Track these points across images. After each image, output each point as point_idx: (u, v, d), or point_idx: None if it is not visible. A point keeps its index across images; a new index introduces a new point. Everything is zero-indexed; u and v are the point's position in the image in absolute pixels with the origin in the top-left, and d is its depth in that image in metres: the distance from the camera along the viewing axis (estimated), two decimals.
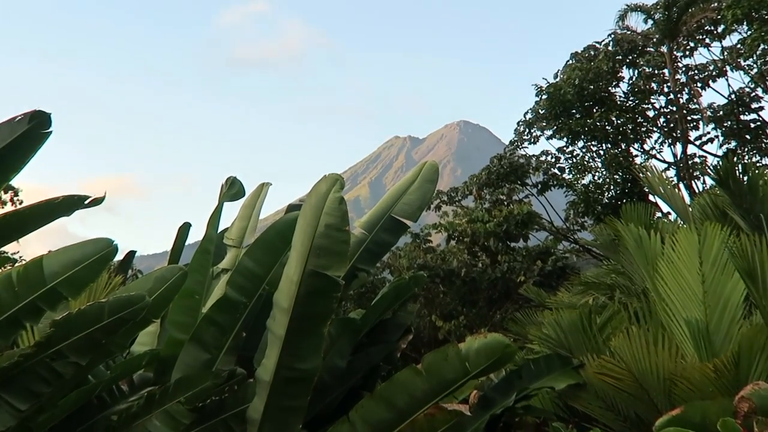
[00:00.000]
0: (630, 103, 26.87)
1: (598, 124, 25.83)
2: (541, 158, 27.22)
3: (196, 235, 8.29)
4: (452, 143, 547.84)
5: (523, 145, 27.82)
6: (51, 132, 5.28)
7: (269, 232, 6.93)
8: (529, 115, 27.58)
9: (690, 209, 10.20)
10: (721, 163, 9.62)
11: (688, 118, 26.55)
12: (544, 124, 26.91)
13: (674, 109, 26.60)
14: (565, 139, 26.76)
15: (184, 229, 9.00)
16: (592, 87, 26.03)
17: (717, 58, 26.28)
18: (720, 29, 25.34)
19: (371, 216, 7.76)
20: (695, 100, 26.70)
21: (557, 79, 26.93)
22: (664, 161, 26.91)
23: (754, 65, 24.58)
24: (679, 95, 26.64)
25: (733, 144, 26.02)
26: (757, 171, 9.21)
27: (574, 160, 27.08)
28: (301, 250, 5.86)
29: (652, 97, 27.02)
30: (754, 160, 25.53)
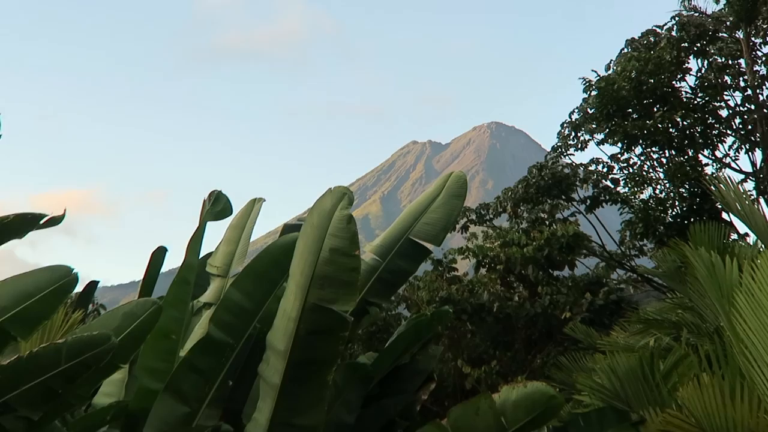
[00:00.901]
0: (698, 100, 26.87)
1: (659, 126, 25.81)
2: (590, 168, 27.22)
3: (173, 262, 8.33)
4: (482, 150, 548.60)
5: (569, 152, 27.87)
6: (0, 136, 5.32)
7: (262, 259, 6.95)
8: (575, 116, 27.63)
9: None
10: None
11: None
12: (593, 126, 26.93)
13: (752, 107, 26.56)
14: (619, 145, 26.75)
15: (159, 254, 9.02)
16: (652, 81, 26.06)
17: None
18: None
19: (385, 239, 7.79)
20: None
21: (610, 72, 26.98)
22: (740, 171, 26.85)
23: None
24: (758, 91, 26.61)
25: None
26: None
27: (631, 170, 27.07)
28: (300, 280, 5.87)
29: (726, 93, 27.01)
30: None
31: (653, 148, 26.79)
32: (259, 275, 6.89)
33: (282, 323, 5.93)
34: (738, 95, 27.05)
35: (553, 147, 28.31)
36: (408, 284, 24.84)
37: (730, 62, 26.74)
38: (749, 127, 26.82)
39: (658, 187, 26.64)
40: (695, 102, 26.87)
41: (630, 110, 26.45)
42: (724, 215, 23.67)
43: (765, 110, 26.51)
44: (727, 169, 26.97)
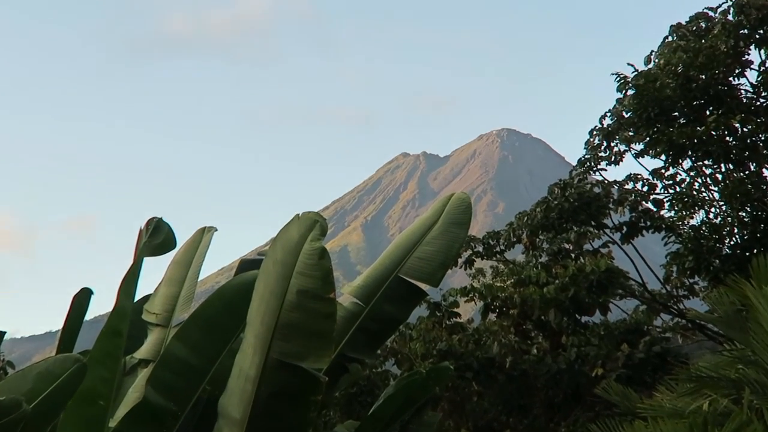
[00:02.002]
0: (762, 101, 26.99)
1: (713, 133, 25.89)
2: (626, 186, 27.30)
3: (100, 308, 8.33)
4: (490, 163, 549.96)
5: (599, 167, 27.94)
6: None
7: (213, 303, 6.96)
8: (607, 121, 27.72)
9: None
10: None
11: None
12: (630, 134, 27.01)
13: None
14: (663, 157, 26.81)
15: (83, 298, 9.02)
16: (703, 77, 26.19)
17: None
18: None
19: (368, 277, 7.80)
20: None
21: (650, 66, 27.09)
22: None
23: None
24: None
25: None
26: None
27: (678, 189, 27.14)
28: (260, 330, 5.88)
29: None
30: None
31: (706, 161, 26.83)
32: (210, 324, 6.89)
33: (238, 385, 5.93)
34: None
35: (579, 160, 28.36)
36: (398, 334, 24.80)
37: None
38: None
39: (713, 210, 26.71)
40: (758, 103, 26.96)
41: (676, 113, 26.52)
42: None
43: None
44: None
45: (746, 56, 26.89)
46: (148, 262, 7.88)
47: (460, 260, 27.11)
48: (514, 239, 26.86)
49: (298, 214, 6.09)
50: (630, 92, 26.74)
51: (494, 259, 27.09)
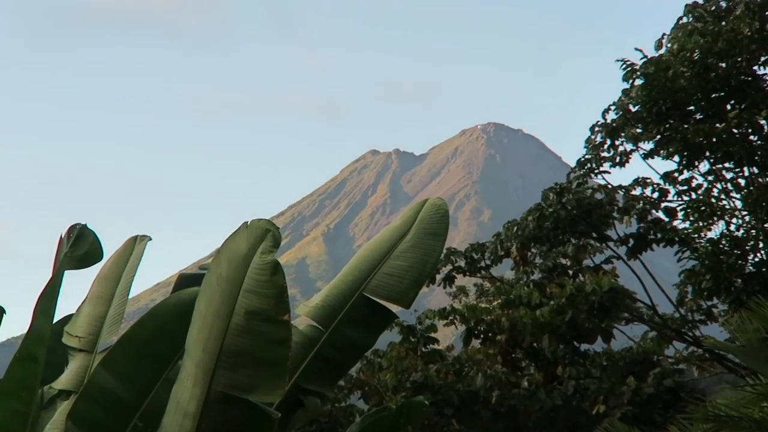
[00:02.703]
0: None
1: (735, 131, 26.00)
2: (634, 192, 27.40)
3: (12, 329, 8.27)
4: (474, 163, 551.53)
5: (602, 168, 28.02)
6: None
7: (146, 325, 6.94)
8: (612, 115, 27.82)
9: None
10: None
11: None
12: (638, 130, 27.10)
13: None
14: (676, 158, 26.92)
15: None
16: (723, 65, 26.28)
17: None
18: None
19: (329, 296, 7.79)
20: None
21: (662, 51, 27.15)
22: None
23: None
24: None
25: None
26: None
27: (694, 196, 27.25)
28: (202, 357, 5.85)
29: None
30: None
31: (726, 164, 26.97)
32: (142, 349, 6.87)
33: (175, 421, 5.91)
34: None
35: (578, 161, 28.44)
36: (364, 363, 24.79)
37: None
38: None
39: (734, 220, 26.84)
40: None
41: (692, 108, 26.61)
42: None
43: None
44: None
45: None
46: (69, 276, 7.83)
47: (438, 277, 27.15)
48: (502, 253, 26.89)
49: (246, 222, 6.09)
50: (638, 82, 26.76)
51: (479, 275, 27.16)
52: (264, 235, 5.98)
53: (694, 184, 27.39)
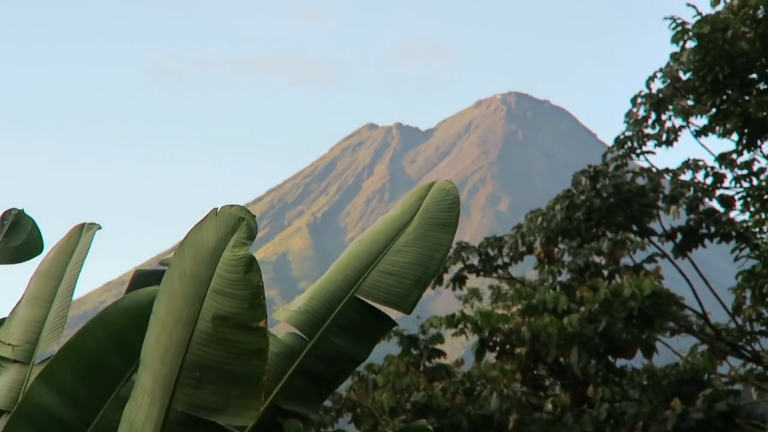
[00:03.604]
0: None
1: None
2: (683, 176, 27.45)
3: None
4: (491, 141, 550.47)
5: (646, 148, 28.07)
6: None
7: (93, 332, 6.97)
8: (658, 84, 27.87)
9: None
10: None
11: None
12: (690, 103, 27.14)
13: None
14: (735, 137, 26.96)
15: None
16: None
17: None
18: None
19: (314, 298, 7.82)
20: None
21: (719, 8, 27.16)
22: None
23: None
24: None
25: None
26: None
27: (755, 182, 27.29)
28: (161, 371, 5.90)
29: None
30: None
31: None
32: (89, 361, 6.90)
33: None
34: None
35: (617, 139, 28.49)
36: (356, 380, 24.84)
37: None
38: None
39: None
40: None
41: (754, 76, 26.62)
42: None
43: None
44: None
45: None
46: (2, 271, 7.88)
47: (446, 277, 27.23)
48: (524, 248, 26.96)
49: (215, 209, 6.06)
50: (690, 44, 26.74)
51: (495, 275, 27.22)
52: (236, 224, 5.96)
53: (755, 167, 27.44)
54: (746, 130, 26.56)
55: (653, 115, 27.89)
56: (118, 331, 6.83)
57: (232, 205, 5.97)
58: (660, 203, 26.75)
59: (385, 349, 24.17)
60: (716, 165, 27.59)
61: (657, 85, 27.80)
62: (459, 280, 27.20)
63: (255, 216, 6.03)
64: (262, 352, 5.86)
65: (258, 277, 5.85)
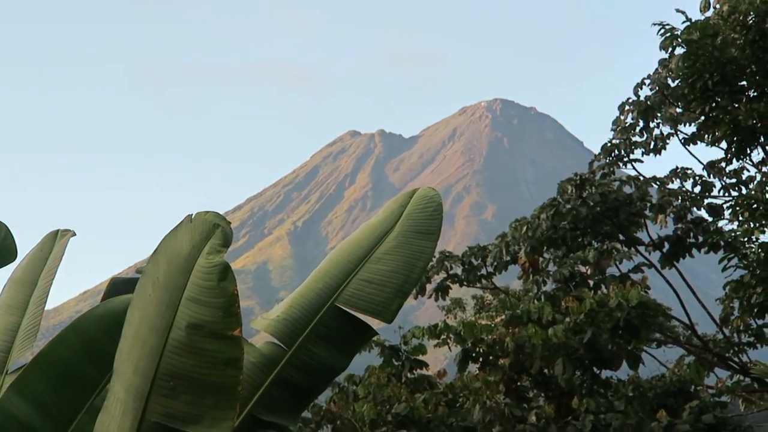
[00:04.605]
0: None
1: None
2: (670, 185, 27.44)
3: None
4: (476, 148, 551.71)
5: (633, 156, 28.06)
6: None
7: (67, 341, 6.92)
8: (645, 91, 27.84)
9: None
10: None
11: None
12: (678, 110, 27.14)
13: None
14: (724, 145, 26.95)
15: None
16: None
17: None
18: None
19: (292, 307, 7.77)
20: None
21: (708, 13, 27.11)
22: None
23: None
24: None
25: None
26: None
27: (744, 191, 27.29)
28: (134, 380, 5.84)
29: None
30: None
31: None
32: (62, 371, 6.86)
33: None
34: None
35: (604, 147, 28.48)
36: (336, 391, 24.78)
37: None
38: None
39: None
40: None
41: (744, 83, 26.61)
42: None
43: None
44: None
45: None
46: None
47: (428, 286, 27.18)
48: (508, 258, 26.90)
49: (190, 215, 6.02)
50: (679, 51, 26.71)
51: (479, 285, 27.17)
52: (211, 231, 5.93)
53: (744, 176, 27.46)
54: (735, 138, 26.48)
55: (641, 123, 27.88)
56: (92, 340, 6.80)
57: (207, 212, 5.93)
58: (647, 212, 26.70)
59: (366, 359, 24.09)
60: (704, 174, 27.60)
61: (645, 92, 27.78)
62: (442, 290, 27.16)
63: (230, 223, 5.98)
64: (236, 361, 5.83)
65: (233, 284, 5.81)
